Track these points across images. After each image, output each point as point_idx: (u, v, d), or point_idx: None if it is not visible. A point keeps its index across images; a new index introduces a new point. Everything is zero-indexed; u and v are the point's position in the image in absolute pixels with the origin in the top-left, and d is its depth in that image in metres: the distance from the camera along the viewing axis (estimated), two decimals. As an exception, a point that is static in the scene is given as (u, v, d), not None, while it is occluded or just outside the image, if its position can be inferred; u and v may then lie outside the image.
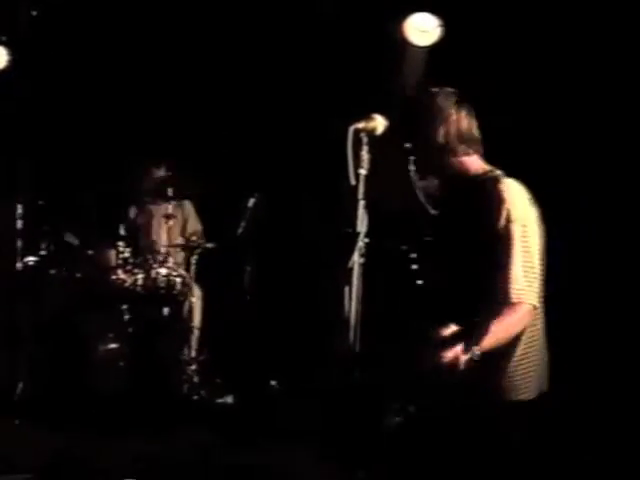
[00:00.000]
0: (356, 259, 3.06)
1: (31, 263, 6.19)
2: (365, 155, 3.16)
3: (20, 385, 5.81)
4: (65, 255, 6.24)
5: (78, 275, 6.20)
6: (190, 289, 6.37)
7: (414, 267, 5.43)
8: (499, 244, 2.98)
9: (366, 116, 3.21)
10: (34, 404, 5.70)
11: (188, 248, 6.45)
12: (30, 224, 6.21)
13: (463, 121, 3.15)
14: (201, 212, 6.71)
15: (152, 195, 6.56)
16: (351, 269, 3.04)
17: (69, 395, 5.75)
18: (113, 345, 6.12)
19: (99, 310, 6.19)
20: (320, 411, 4.61)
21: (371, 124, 3.24)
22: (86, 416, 5.45)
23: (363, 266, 3.11)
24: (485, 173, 3.16)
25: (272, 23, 6.17)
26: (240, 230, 6.38)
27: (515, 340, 3.01)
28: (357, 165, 3.13)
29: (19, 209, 6.13)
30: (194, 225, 6.68)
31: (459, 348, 2.89)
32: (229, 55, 6.43)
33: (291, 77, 6.37)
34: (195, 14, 6.25)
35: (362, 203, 3.12)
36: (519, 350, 3.04)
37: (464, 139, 3.15)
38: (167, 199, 6.40)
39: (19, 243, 6.15)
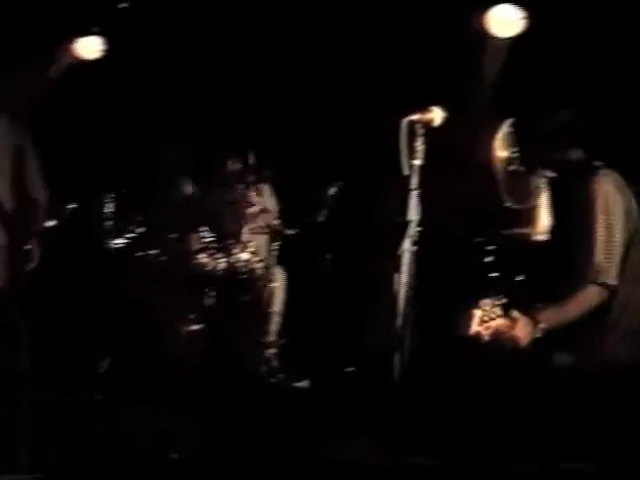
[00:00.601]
0: (407, 247, 3.15)
1: (119, 246, 6.47)
2: (420, 146, 3.24)
3: (105, 362, 6.06)
4: (150, 239, 6.48)
5: (163, 258, 6.44)
6: (271, 274, 6.51)
7: (489, 259, 5.45)
8: (585, 231, 3.18)
9: (422, 108, 3.30)
10: (117, 381, 5.94)
11: (269, 234, 6.58)
12: (119, 209, 6.49)
13: (570, 115, 3.33)
14: (283, 199, 6.81)
15: (234, 181, 6.70)
16: (400, 256, 3.13)
17: (150, 374, 5.96)
18: (195, 327, 6.32)
19: (182, 292, 6.39)
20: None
21: (428, 116, 3.32)
22: (166, 395, 5.64)
23: (416, 254, 3.19)
24: (583, 164, 3.31)
25: (339, 14, 6.23)
26: (321, 217, 6.48)
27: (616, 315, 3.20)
28: (411, 156, 3.21)
29: (109, 194, 6.44)
30: (271, 206, 6.76)
31: (525, 325, 3.07)
32: (305, 45, 6.52)
33: (371, 66, 6.42)
34: (269, 10, 6.38)
35: (415, 193, 3.20)
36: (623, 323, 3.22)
37: (571, 132, 3.32)
38: (248, 185, 6.56)
39: (108, 226, 6.44)
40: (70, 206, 6.68)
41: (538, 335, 3.08)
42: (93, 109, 6.87)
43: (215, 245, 6.39)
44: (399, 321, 3.11)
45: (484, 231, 5.46)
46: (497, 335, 3.01)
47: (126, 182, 6.63)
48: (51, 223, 6.56)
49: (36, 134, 6.37)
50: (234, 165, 6.63)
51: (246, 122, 6.80)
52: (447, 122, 3.42)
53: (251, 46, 6.62)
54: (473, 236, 5.53)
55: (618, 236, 3.17)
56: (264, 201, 6.74)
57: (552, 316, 3.12)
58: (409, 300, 3.12)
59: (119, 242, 6.47)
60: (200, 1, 6.51)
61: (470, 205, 5.51)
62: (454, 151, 4.99)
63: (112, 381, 5.97)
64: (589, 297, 3.16)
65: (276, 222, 6.66)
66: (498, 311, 3.00)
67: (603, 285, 3.14)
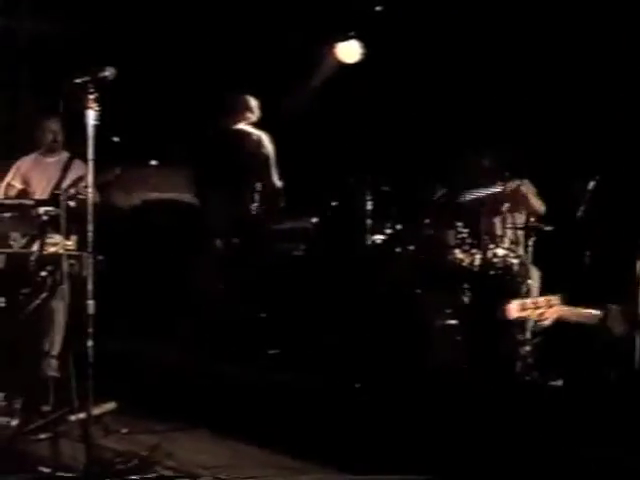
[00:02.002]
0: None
1: (378, 241, 6.72)
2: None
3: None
4: (409, 235, 6.66)
5: (420, 254, 6.59)
6: (527, 271, 6.44)
7: None
8: None
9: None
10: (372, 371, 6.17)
11: (526, 230, 6.52)
12: (378, 206, 6.73)
13: None
14: (541, 195, 6.73)
15: (487, 178, 6.71)
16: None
17: (407, 367, 6.12)
18: (451, 321, 6.41)
19: (439, 287, 6.50)
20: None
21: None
22: (418, 386, 5.77)
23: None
24: None
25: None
26: (580, 213, 6.33)
27: None
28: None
29: (368, 192, 6.70)
30: (534, 204, 6.66)
31: None
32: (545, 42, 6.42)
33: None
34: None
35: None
36: None
37: None
38: (503, 181, 6.54)
39: (368, 223, 6.70)
40: (333, 203, 7.02)
41: None
42: (351, 111, 7.15)
43: (471, 241, 6.44)
44: None
45: None
46: None
47: (386, 180, 6.85)
48: (314, 220, 7.00)
49: (304, 135, 6.78)
50: (485, 162, 6.66)
51: (498, 119, 6.80)
52: None
53: (495, 46, 6.60)
54: None
55: None
56: (524, 198, 6.68)
57: None
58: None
59: (378, 238, 6.71)
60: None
61: None
62: None
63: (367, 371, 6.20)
64: None
65: (533, 218, 6.58)
66: None
67: None
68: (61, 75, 4.25)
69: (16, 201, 5.63)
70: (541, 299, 3.95)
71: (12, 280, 5.30)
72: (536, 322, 3.97)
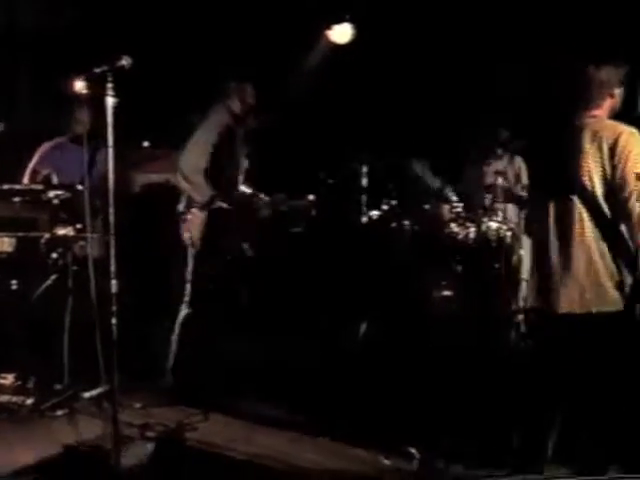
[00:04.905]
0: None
1: (374, 217, 6.90)
2: None
3: (363, 326, 6.49)
4: (404, 210, 6.85)
5: (416, 228, 6.78)
6: (519, 242, 6.64)
7: None
8: None
9: None
10: (375, 346, 6.35)
11: (518, 203, 6.71)
12: (374, 182, 6.90)
13: None
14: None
15: (482, 153, 6.89)
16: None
17: (403, 339, 6.30)
18: (446, 293, 6.61)
19: (434, 260, 6.70)
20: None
21: None
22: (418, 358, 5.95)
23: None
24: None
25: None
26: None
27: None
28: None
29: (364, 169, 6.86)
30: (525, 180, 6.86)
31: None
32: None
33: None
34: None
35: None
36: None
37: None
38: (498, 157, 6.73)
39: (364, 199, 6.87)
40: (330, 181, 7.18)
41: None
42: (346, 88, 7.26)
43: (465, 214, 6.63)
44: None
45: None
46: None
47: (381, 156, 7.01)
48: (310, 197, 7.15)
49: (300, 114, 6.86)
50: (487, 137, 6.83)
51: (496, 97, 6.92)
52: None
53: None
54: None
55: None
56: (515, 170, 6.87)
57: None
58: None
59: (374, 213, 6.89)
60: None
61: None
62: None
63: (369, 344, 6.39)
64: None
65: (524, 192, 6.76)
66: None
67: None
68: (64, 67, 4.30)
69: (26, 186, 5.67)
70: None
71: (22, 263, 5.37)
72: None
